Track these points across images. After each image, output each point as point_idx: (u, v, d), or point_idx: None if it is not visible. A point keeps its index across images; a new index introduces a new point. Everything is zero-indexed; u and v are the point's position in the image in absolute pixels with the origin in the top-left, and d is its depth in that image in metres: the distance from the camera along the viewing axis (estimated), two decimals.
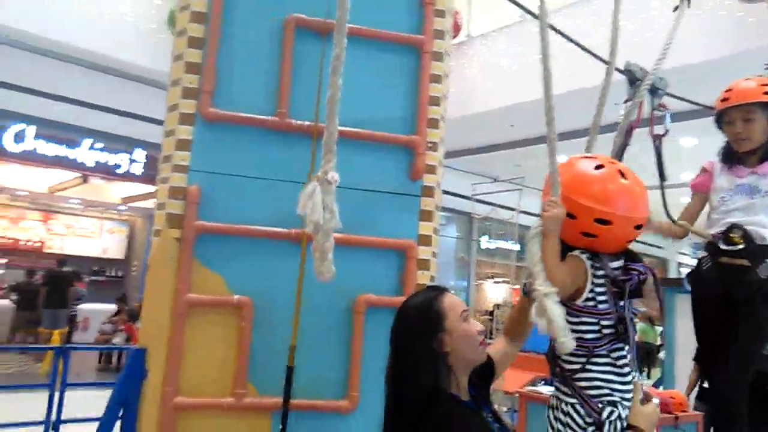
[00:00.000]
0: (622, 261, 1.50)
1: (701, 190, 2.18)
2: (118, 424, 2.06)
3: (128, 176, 8.99)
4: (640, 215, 1.47)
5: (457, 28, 8.15)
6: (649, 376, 14.21)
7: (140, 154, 8.92)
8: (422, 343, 1.43)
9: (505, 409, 5.59)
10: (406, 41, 2.37)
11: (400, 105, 2.37)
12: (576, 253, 1.49)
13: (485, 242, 13.63)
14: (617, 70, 1.97)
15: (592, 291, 1.46)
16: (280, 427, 1.97)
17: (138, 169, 8.96)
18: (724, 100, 2.10)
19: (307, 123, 2.20)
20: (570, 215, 1.47)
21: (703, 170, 2.18)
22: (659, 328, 13.95)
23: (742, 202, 2.02)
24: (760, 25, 5.99)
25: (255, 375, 2.09)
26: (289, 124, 2.21)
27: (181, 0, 2.31)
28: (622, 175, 1.47)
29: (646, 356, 15.13)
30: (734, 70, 2.95)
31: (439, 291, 1.54)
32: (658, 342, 13.37)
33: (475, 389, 1.52)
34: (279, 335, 2.06)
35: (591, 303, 1.46)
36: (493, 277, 15.14)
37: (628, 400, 1.45)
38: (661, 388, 5.81)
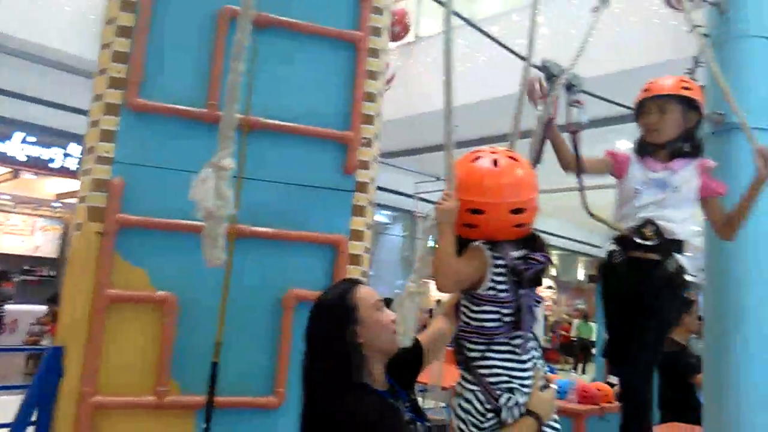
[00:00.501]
0: (524, 251, 1.53)
1: (617, 165, 2.20)
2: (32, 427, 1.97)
3: (63, 171, 8.64)
4: (512, 200, 1.48)
5: (404, 29, 8.21)
6: (584, 371, 14.72)
7: (75, 149, 8.58)
8: (335, 335, 1.46)
9: (443, 405, 5.65)
10: (342, 37, 2.37)
11: (336, 100, 2.36)
12: (477, 243, 1.52)
13: (431, 241, 13.75)
14: (538, 68, 2.02)
15: (492, 280, 1.49)
16: (204, 425, 1.93)
17: (73, 164, 8.61)
18: (644, 91, 2.18)
19: (238, 116, 2.17)
20: (474, 211, 1.51)
21: (625, 156, 2.21)
22: (594, 324, 14.47)
23: (655, 196, 2.08)
24: (690, 35, 6.28)
25: (179, 372, 2.04)
26: (219, 117, 2.16)
27: None
28: (495, 163, 1.50)
29: (582, 351, 15.66)
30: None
31: (352, 283, 1.57)
32: (593, 338, 13.87)
33: (393, 378, 1.54)
34: (204, 331, 2.02)
35: (492, 292, 1.49)
36: None
37: (527, 386, 1.49)
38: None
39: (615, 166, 2.21)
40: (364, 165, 2.36)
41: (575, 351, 16.05)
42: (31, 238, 12.83)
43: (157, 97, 2.15)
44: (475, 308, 1.51)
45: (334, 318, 1.50)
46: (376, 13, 2.44)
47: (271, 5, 2.24)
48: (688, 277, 2.04)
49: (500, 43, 2.17)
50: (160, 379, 2.01)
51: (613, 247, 2.12)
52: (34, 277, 12.62)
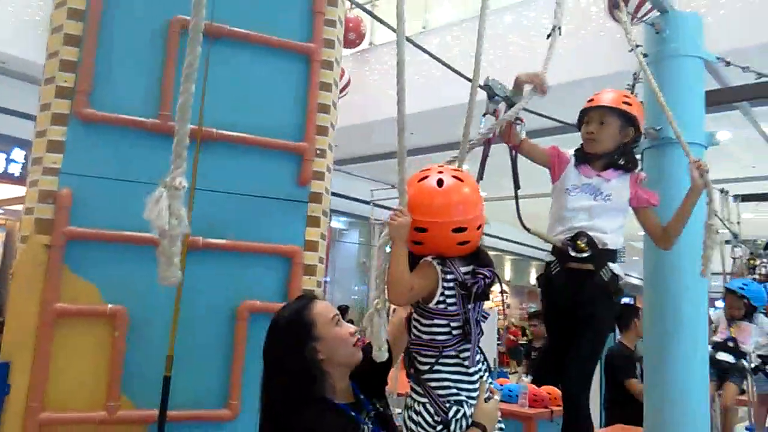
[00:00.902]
0: (472, 266, 1.59)
1: (556, 159, 2.27)
2: None
3: (5, 177, 8.32)
4: (453, 219, 1.54)
5: (360, 36, 8.26)
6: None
7: (19, 154, 8.29)
8: (294, 354, 1.48)
9: (398, 411, 5.70)
10: (296, 49, 2.38)
11: (290, 112, 2.38)
12: (428, 258, 1.58)
13: (388, 248, 13.82)
14: (480, 87, 2.09)
15: (442, 294, 1.55)
16: None
17: (16, 170, 8.31)
18: (589, 101, 2.28)
19: (191, 127, 2.15)
20: (418, 229, 1.57)
21: (566, 157, 2.29)
22: None
23: (585, 202, 2.17)
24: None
25: (130, 387, 2.01)
26: (171, 128, 2.14)
27: None
28: (439, 183, 1.56)
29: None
30: (621, 87, 3.20)
31: (307, 300, 1.59)
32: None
33: (361, 387, 1.57)
34: (156, 345, 2.00)
35: (442, 306, 1.54)
36: None
37: (474, 398, 1.54)
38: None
39: (554, 161, 2.28)
40: (319, 176, 2.38)
41: (525, 355, 16.35)
42: None
43: (107, 107, 2.12)
44: (426, 321, 1.56)
45: (291, 336, 1.51)
46: (330, 25, 2.47)
47: (224, 16, 2.24)
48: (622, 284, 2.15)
49: (437, 59, 2.22)
50: (111, 394, 1.98)
51: (551, 258, 2.21)
52: None
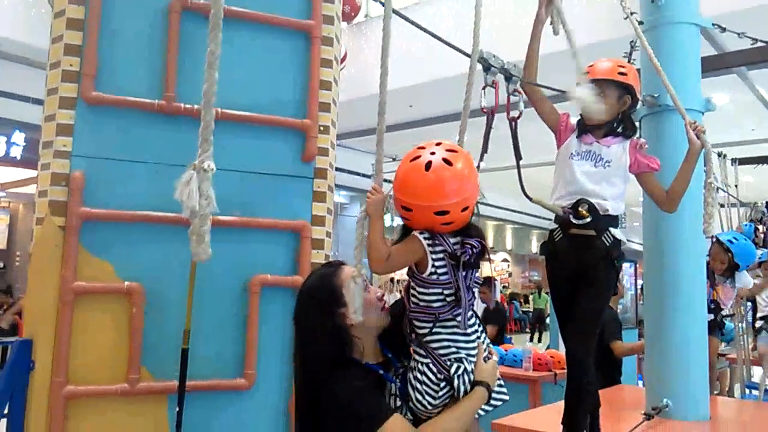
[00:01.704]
0: (460, 237, 1.66)
1: (562, 124, 2.33)
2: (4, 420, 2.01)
3: (7, 160, 8.37)
4: (435, 203, 1.59)
5: (355, 9, 8.20)
6: (540, 340, 15.27)
7: (19, 137, 8.31)
8: (322, 319, 1.54)
9: None
10: (296, 26, 2.41)
11: (292, 89, 2.41)
12: (415, 233, 1.65)
13: (388, 220, 13.92)
14: (465, 54, 2.13)
15: (433, 265, 1.62)
16: (177, 409, 2.00)
17: (17, 153, 8.35)
18: (585, 74, 2.31)
19: (195, 106, 2.20)
20: (405, 208, 1.64)
21: (572, 125, 2.33)
22: (547, 296, 15.01)
23: (587, 167, 2.22)
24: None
25: (149, 360, 2.09)
26: (177, 108, 2.20)
27: None
28: (428, 166, 1.61)
29: (537, 321, 16.25)
30: (616, 54, 3.22)
31: (334, 266, 1.64)
32: (547, 308, 14.46)
33: (391, 349, 1.66)
34: (173, 319, 2.08)
35: (434, 276, 1.62)
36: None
37: (473, 356, 1.63)
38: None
39: (561, 127, 2.34)
40: (323, 152, 2.43)
41: (531, 320, 16.62)
42: None
43: (113, 90, 2.16)
44: (421, 290, 1.64)
45: (319, 302, 1.57)
46: (328, 1, 2.49)
47: None
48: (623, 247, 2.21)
49: (428, 32, 2.25)
50: (131, 367, 2.06)
51: (554, 226, 2.27)
52: None
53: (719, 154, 5.18)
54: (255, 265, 2.27)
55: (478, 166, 1.85)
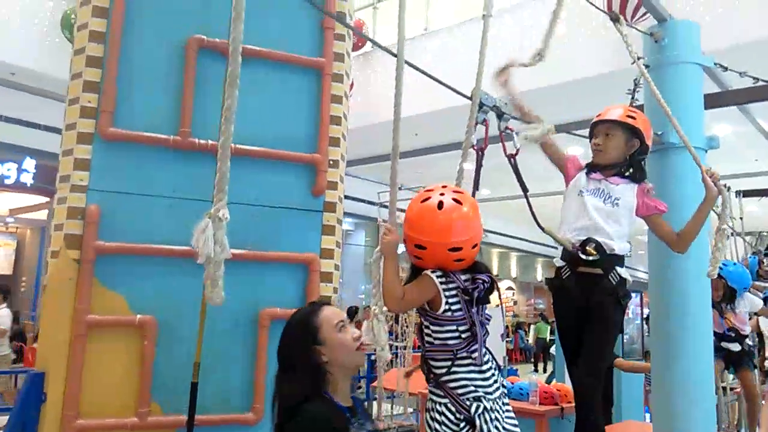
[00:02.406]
0: (469, 274, 1.72)
1: (570, 165, 2.40)
2: None
3: (17, 186, 8.46)
4: (449, 240, 1.69)
5: (362, 39, 8.34)
6: (545, 370, 15.14)
7: (30, 163, 8.42)
8: (300, 355, 1.63)
9: (411, 410, 5.79)
10: (307, 63, 2.47)
11: (303, 124, 2.47)
12: (427, 271, 1.70)
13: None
14: (464, 96, 2.20)
15: (447, 302, 1.67)
16: None
17: (28, 179, 8.44)
18: (597, 116, 2.38)
19: (210, 142, 2.25)
20: (418, 246, 1.73)
21: (580, 165, 2.41)
22: (548, 327, 14.97)
23: (595, 203, 2.27)
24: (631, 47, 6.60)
25: (159, 393, 2.11)
26: (192, 143, 2.25)
27: (78, 16, 2.29)
28: (439, 205, 1.68)
29: (542, 351, 16.11)
30: (618, 87, 3.27)
31: (316, 306, 1.73)
32: (549, 337, 14.35)
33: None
34: (183, 352, 2.10)
35: (448, 312, 1.67)
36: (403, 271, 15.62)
37: (490, 393, 1.65)
38: (554, 381, 6.25)
39: (568, 165, 2.41)
40: (332, 185, 2.47)
41: (535, 351, 16.48)
42: None
43: (129, 125, 2.21)
44: (436, 328, 1.69)
45: (299, 338, 1.65)
46: (339, 39, 2.56)
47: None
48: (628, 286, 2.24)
49: (418, 69, 2.31)
50: (142, 400, 2.07)
51: (561, 263, 2.31)
52: None
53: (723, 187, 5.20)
54: (264, 298, 2.29)
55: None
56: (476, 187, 2.17)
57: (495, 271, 19.60)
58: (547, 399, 4.39)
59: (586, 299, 2.20)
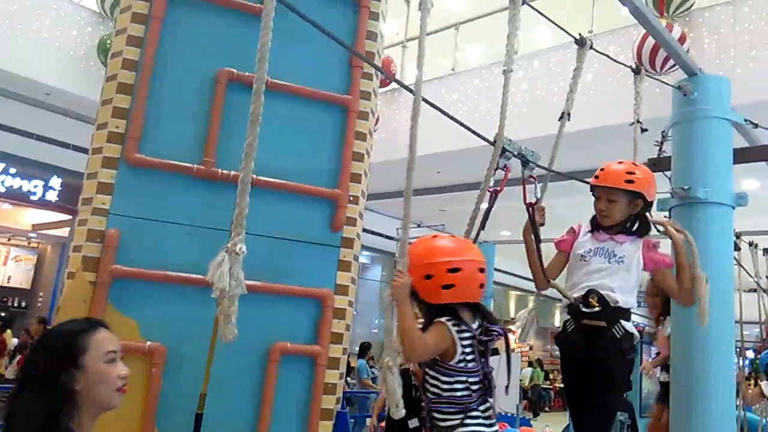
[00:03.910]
0: (480, 323, 1.66)
1: (563, 249, 2.40)
2: None
3: (42, 203, 8.61)
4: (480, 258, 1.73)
5: (390, 76, 8.44)
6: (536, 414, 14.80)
7: (56, 182, 8.58)
8: (51, 374, 1.38)
9: None
10: (334, 100, 2.49)
11: (326, 159, 2.48)
12: (441, 319, 1.64)
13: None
14: (487, 141, 2.19)
15: (463, 352, 1.60)
16: None
17: (53, 197, 8.60)
18: (595, 177, 2.37)
19: (233, 173, 2.26)
20: (427, 276, 1.65)
21: (571, 230, 2.42)
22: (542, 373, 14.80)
23: (600, 264, 2.25)
24: (660, 95, 6.59)
25: (164, 422, 2.08)
26: (215, 173, 2.27)
27: (113, 44, 2.35)
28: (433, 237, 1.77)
29: (538, 398, 15.74)
30: (648, 136, 3.25)
31: (91, 325, 1.49)
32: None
33: None
34: (190, 382, 2.07)
35: (462, 363, 1.61)
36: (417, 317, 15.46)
37: None
38: None
39: (564, 248, 2.41)
40: (351, 221, 2.46)
41: (533, 398, 16.15)
42: (3, 268, 12.58)
43: (155, 153, 2.24)
44: (446, 379, 1.62)
45: (57, 355, 1.40)
46: (366, 78, 2.58)
47: (268, 69, 2.36)
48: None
49: (439, 109, 2.32)
50: (145, 427, 2.05)
51: (567, 317, 2.27)
52: (2, 307, 12.32)
53: (750, 244, 5.11)
54: (276, 331, 2.27)
55: (475, 239, 1.92)
56: (482, 227, 2.15)
57: (512, 314, 19.32)
58: None
59: (589, 353, 2.16)
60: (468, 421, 1.60)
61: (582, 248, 2.31)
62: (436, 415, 1.62)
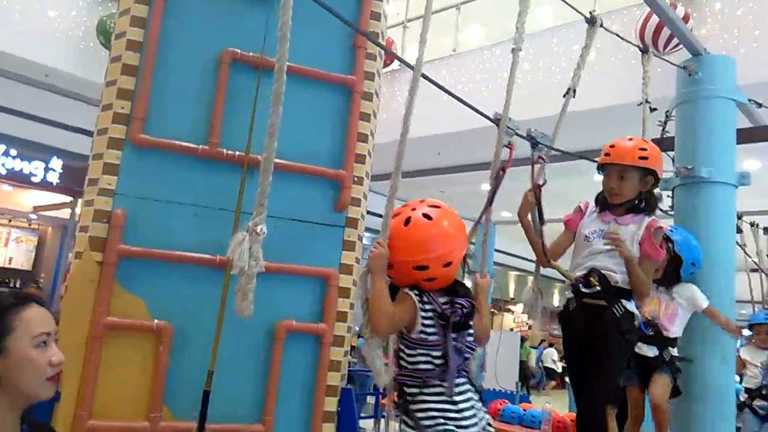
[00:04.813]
0: (449, 297, 1.64)
1: (570, 228, 2.41)
2: None
3: (43, 185, 8.61)
4: (412, 258, 1.64)
5: (390, 57, 8.40)
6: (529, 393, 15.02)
7: (57, 163, 8.57)
8: None
9: None
10: (338, 81, 2.49)
11: (331, 140, 2.48)
12: (406, 289, 1.63)
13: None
14: (489, 119, 2.19)
15: (422, 324, 1.59)
16: None
17: (54, 178, 8.59)
18: (606, 155, 2.35)
19: (237, 153, 2.27)
20: (419, 268, 1.64)
21: (578, 209, 2.42)
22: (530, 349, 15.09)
23: (602, 245, 2.26)
24: (664, 76, 6.56)
25: (171, 399, 2.11)
26: (220, 153, 2.27)
27: (117, 25, 2.34)
28: (406, 222, 1.66)
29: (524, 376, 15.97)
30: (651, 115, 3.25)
31: (22, 300, 1.27)
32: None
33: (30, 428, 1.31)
34: (197, 360, 2.10)
35: (422, 335, 1.58)
36: None
37: (464, 427, 1.56)
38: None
39: (570, 227, 2.42)
40: (356, 202, 2.48)
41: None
42: (4, 249, 12.61)
43: (159, 133, 2.24)
44: (410, 352, 1.60)
45: None
46: (370, 59, 2.58)
47: (272, 49, 2.35)
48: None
49: (441, 87, 2.32)
50: (154, 405, 2.08)
51: (570, 295, 2.29)
52: (5, 289, 12.39)
53: (752, 224, 5.13)
54: (281, 310, 2.29)
55: (481, 217, 1.87)
56: (489, 203, 2.14)
57: (512, 294, 19.41)
58: (560, 428, 4.31)
59: (590, 331, 2.20)
60: (425, 397, 1.56)
61: (587, 228, 2.32)
62: (405, 389, 1.61)
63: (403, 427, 1.62)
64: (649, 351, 2.82)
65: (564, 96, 2.39)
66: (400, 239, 1.62)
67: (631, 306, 2.22)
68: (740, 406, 4.07)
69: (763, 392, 4.05)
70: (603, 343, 2.17)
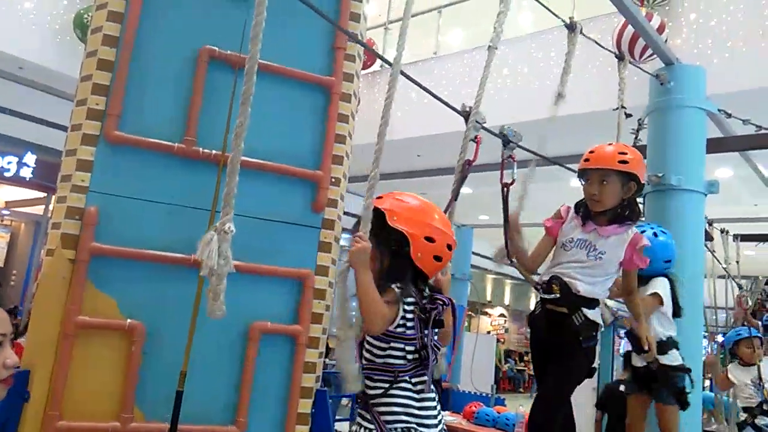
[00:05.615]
0: (429, 293, 1.65)
1: (551, 234, 2.41)
2: None
3: (16, 180, 8.45)
4: (427, 221, 1.73)
5: (371, 58, 8.40)
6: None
7: (30, 158, 8.42)
8: None
9: None
10: (316, 81, 2.49)
11: (308, 141, 2.47)
12: (388, 284, 1.63)
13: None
14: (457, 111, 2.21)
15: (403, 318, 1.59)
16: None
17: (27, 173, 8.44)
18: (585, 160, 2.35)
19: (214, 152, 2.26)
20: (428, 239, 1.63)
21: (558, 214, 2.41)
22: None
23: (578, 256, 2.26)
24: (639, 84, 6.67)
25: (143, 400, 2.09)
26: (196, 152, 2.26)
27: (93, 20, 2.31)
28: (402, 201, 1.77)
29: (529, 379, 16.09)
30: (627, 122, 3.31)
31: None
32: None
33: None
34: (170, 360, 2.08)
35: (401, 329, 1.59)
36: None
37: (426, 426, 1.56)
38: None
39: (552, 234, 2.43)
40: (333, 203, 2.48)
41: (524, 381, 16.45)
42: None
43: (135, 130, 2.22)
44: (383, 345, 1.59)
45: None
46: (349, 60, 2.58)
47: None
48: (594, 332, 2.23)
49: (419, 85, 2.34)
50: (125, 405, 2.06)
51: (538, 299, 2.34)
52: None
53: (722, 231, 5.24)
54: (256, 311, 2.28)
55: (446, 211, 1.90)
56: (455, 197, 2.15)
57: (488, 298, 19.54)
58: None
59: (549, 336, 2.24)
60: (393, 392, 1.55)
61: (565, 236, 2.32)
62: (367, 383, 1.60)
63: (359, 419, 1.60)
64: (639, 361, 2.78)
65: (555, 103, 2.41)
66: (402, 210, 1.69)
67: (592, 314, 2.23)
68: (740, 425, 4.11)
69: (765, 407, 4.07)
70: (559, 349, 2.22)
